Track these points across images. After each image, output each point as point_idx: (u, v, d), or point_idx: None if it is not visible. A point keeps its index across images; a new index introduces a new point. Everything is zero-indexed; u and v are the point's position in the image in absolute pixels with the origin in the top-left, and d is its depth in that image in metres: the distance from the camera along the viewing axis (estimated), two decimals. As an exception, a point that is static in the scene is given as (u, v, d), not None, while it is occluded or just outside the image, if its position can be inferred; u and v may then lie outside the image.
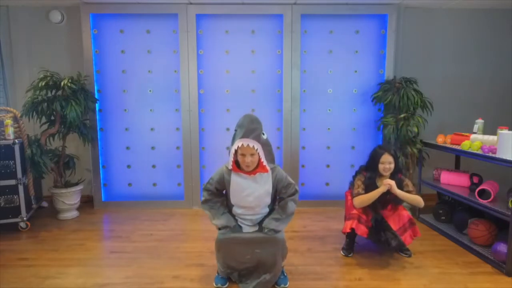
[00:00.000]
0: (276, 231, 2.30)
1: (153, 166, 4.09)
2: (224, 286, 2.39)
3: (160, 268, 2.68)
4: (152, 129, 4.04)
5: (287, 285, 2.40)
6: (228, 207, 2.45)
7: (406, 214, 2.76)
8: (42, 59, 4.01)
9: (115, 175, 4.10)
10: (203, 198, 2.42)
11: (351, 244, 2.93)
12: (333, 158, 4.10)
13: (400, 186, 2.73)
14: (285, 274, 2.48)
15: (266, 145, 2.30)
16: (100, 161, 4.04)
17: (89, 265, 2.73)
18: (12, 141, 3.28)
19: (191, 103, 3.94)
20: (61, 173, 3.77)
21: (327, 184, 4.14)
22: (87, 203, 4.15)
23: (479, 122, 3.34)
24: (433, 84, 4.10)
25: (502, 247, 2.61)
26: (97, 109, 3.94)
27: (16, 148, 3.28)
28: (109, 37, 3.90)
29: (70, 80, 3.53)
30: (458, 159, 3.67)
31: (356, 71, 3.99)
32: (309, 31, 3.92)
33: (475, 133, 3.32)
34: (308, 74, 3.99)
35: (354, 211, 2.72)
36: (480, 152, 2.93)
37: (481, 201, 2.83)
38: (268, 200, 2.35)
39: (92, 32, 3.86)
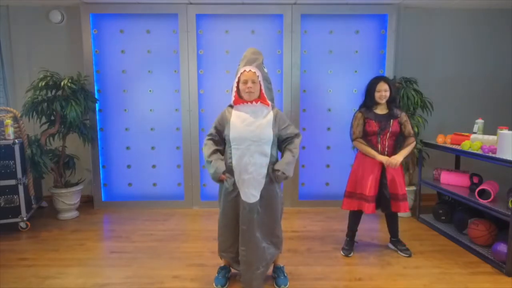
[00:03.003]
0: (286, 175, 2.26)
1: (153, 166, 4.09)
2: (224, 287, 2.39)
3: (160, 268, 2.68)
4: (152, 129, 4.04)
5: (287, 285, 2.40)
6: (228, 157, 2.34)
7: (403, 187, 2.78)
8: (42, 59, 4.01)
9: (115, 175, 4.10)
10: (204, 141, 2.36)
11: (351, 244, 2.94)
12: (333, 158, 4.10)
13: (396, 118, 2.76)
14: (285, 274, 2.48)
15: (266, 80, 2.33)
16: (100, 161, 4.04)
17: (89, 265, 2.73)
18: (12, 141, 3.28)
19: (191, 103, 3.94)
20: (61, 173, 3.77)
21: (327, 184, 4.14)
22: (87, 203, 4.15)
23: (479, 122, 3.34)
24: (433, 84, 4.10)
25: (502, 247, 2.61)
26: (97, 109, 3.94)
27: (16, 148, 3.28)
28: (109, 37, 3.90)
29: (70, 80, 3.53)
30: (458, 159, 3.66)
31: (356, 71, 3.98)
32: (309, 31, 3.92)
33: (475, 133, 3.32)
34: (308, 74, 3.99)
35: (371, 193, 2.72)
36: (480, 152, 2.93)
37: (481, 201, 2.83)
38: (269, 133, 2.25)
39: (92, 32, 3.86)
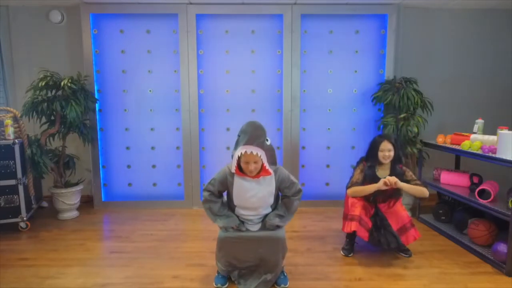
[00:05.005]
0: (278, 227, 2.37)
1: (153, 166, 4.09)
2: (224, 286, 2.39)
3: (160, 268, 2.68)
4: (152, 129, 4.04)
5: (287, 285, 2.40)
6: (230, 207, 2.45)
7: (406, 215, 2.76)
8: (42, 59, 4.01)
9: (115, 175, 4.10)
10: (203, 199, 2.40)
11: (351, 244, 2.93)
12: (333, 158, 4.10)
13: (401, 177, 2.72)
14: (285, 274, 2.48)
15: (269, 150, 2.31)
16: (100, 161, 4.04)
17: (89, 265, 2.73)
18: (12, 141, 3.28)
19: (191, 103, 3.94)
20: (61, 173, 3.77)
21: (327, 184, 4.14)
22: (87, 203, 4.15)
23: (479, 122, 3.34)
24: (433, 84, 4.10)
25: (502, 247, 2.61)
26: (97, 109, 3.94)
27: (16, 148, 3.28)
28: (109, 37, 3.90)
29: (70, 80, 3.53)
30: (458, 159, 3.66)
31: (356, 71, 3.99)
32: (309, 31, 3.92)
33: (475, 133, 3.32)
34: (308, 74, 3.99)
35: (356, 213, 2.70)
36: (480, 152, 2.93)
37: (481, 201, 2.83)
38: (271, 200, 2.37)
39: (92, 32, 3.86)
